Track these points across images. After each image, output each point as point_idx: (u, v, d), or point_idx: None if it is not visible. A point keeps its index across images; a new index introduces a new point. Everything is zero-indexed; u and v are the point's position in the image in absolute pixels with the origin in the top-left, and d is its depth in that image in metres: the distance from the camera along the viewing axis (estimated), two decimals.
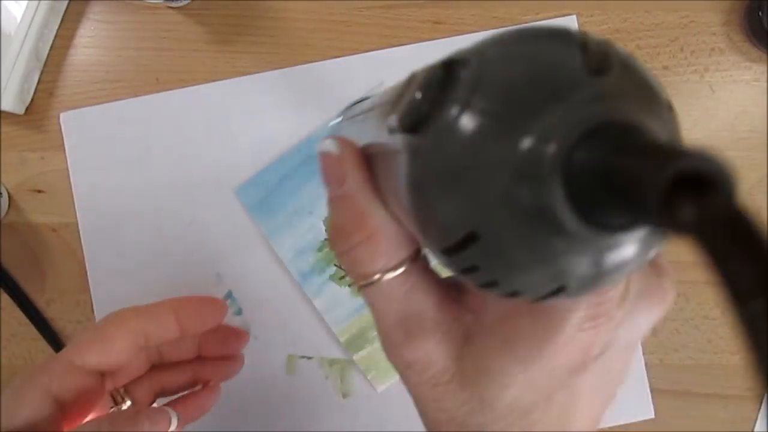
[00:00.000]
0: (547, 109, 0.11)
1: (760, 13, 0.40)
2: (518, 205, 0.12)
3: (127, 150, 0.42)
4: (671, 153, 0.10)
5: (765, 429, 0.42)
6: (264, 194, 0.42)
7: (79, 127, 0.43)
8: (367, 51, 0.42)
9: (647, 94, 0.13)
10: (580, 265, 0.12)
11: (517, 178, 0.12)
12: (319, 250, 0.41)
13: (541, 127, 0.11)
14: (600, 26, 0.43)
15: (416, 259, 0.18)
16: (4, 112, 0.41)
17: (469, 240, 0.13)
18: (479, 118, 0.12)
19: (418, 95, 0.14)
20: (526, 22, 0.42)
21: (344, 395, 0.41)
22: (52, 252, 0.43)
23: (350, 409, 0.41)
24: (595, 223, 0.11)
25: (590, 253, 0.12)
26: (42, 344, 0.42)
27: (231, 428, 0.41)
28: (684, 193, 0.09)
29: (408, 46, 0.42)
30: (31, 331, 0.43)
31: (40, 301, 0.42)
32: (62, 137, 0.42)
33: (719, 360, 0.42)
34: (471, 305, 0.18)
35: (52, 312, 0.43)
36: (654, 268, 0.17)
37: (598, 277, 0.13)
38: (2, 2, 0.41)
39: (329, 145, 0.19)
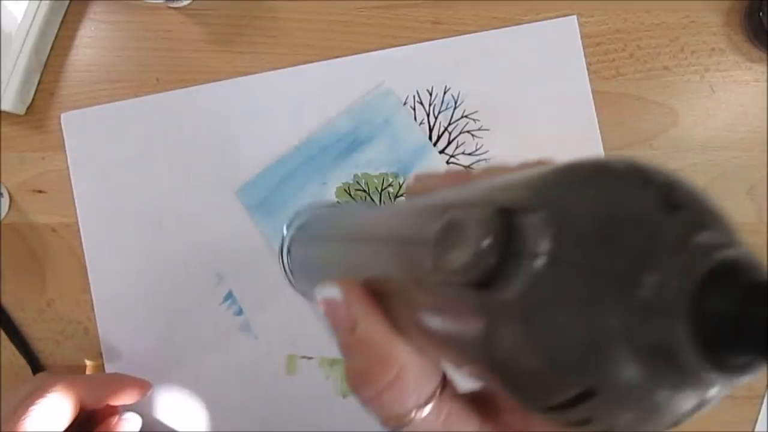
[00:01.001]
0: (655, 257, 0.11)
1: (760, 14, 0.40)
2: (642, 357, 0.11)
3: (127, 150, 0.42)
4: None
5: (765, 429, 0.42)
6: (264, 195, 0.42)
7: (79, 127, 0.43)
8: (367, 51, 0.42)
9: (722, 217, 0.13)
10: (692, 401, 0.12)
11: (639, 331, 0.11)
12: None
13: (657, 278, 0.11)
14: (600, 26, 0.43)
15: (445, 386, 0.17)
16: (5, 112, 0.41)
17: (583, 397, 0.12)
18: (580, 271, 0.11)
19: (484, 244, 0.12)
20: (526, 22, 0.42)
21: (344, 395, 0.41)
22: (52, 252, 0.43)
23: (350, 409, 0.41)
24: (719, 364, 0.11)
25: (703, 391, 0.12)
26: (42, 345, 0.42)
27: (231, 428, 0.41)
28: None
29: (408, 46, 0.42)
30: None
31: (40, 301, 0.43)
32: (63, 137, 0.42)
33: None
34: (512, 422, 0.17)
35: (52, 312, 0.43)
36: None
37: (698, 410, 0.13)
38: (2, 2, 0.41)
39: (330, 291, 0.18)
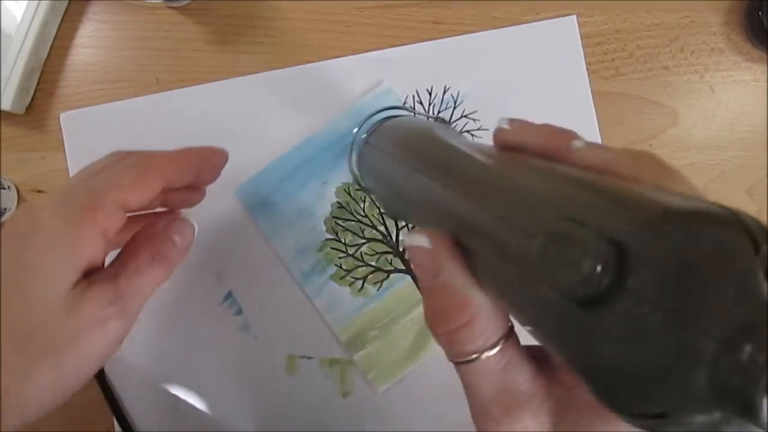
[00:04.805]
0: (752, 330, 0.12)
1: (760, 13, 0.40)
2: (721, 404, 0.12)
3: (127, 150, 0.42)
4: None
5: None
6: (264, 195, 0.42)
7: (79, 127, 0.43)
8: (367, 51, 0.42)
9: None
10: None
11: (724, 384, 0.12)
12: (320, 250, 0.41)
13: (748, 353, 0.12)
14: (600, 26, 0.43)
15: (510, 336, 0.19)
16: (4, 112, 0.41)
17: (659, 416, 0.13)
18: (679, 323, 0.12)
19: (595, 271, 0.14)
20: (525, 22, 0.42)
21: (344, 395, 0.41)
22: None
23: (350, 409, 0.41)
24: None
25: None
26: None
27: (231, 428, 0.41)
28: None
29: (408, 46, 0.42)
30: None
31: None
32: (62, 137, 0.42)
33: None
34: (563, 380, 0.19)
35: None
36: None
37: None
38: (2, 2, 0.41)
39: (420, 240, 0.20)
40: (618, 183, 0.16)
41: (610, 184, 0.16)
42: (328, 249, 0.41)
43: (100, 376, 0.41)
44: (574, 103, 0.42)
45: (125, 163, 0.28)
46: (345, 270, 0.41)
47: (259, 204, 0.41)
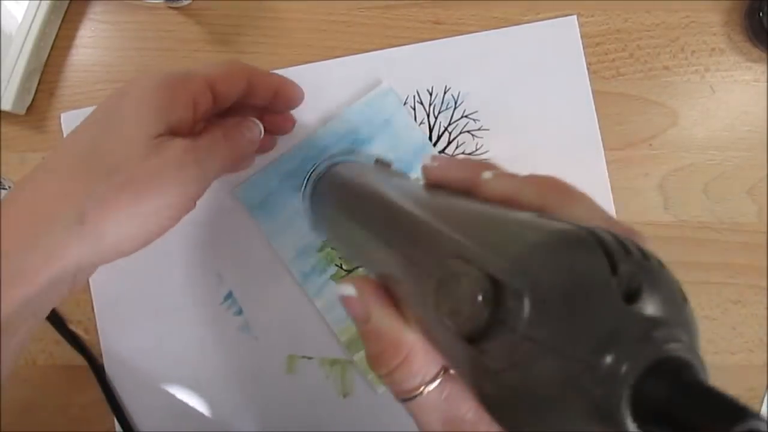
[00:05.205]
0: (605, 349, 0.13)
1: (760, 14, 0.40)
2: (597, 420, 0.13)
3: None
4: (732, 411, 0.11)
5: None
6: (265, 194, 0.42)
7: None
8: (367, 51, 0.42)
9: (674, 301, 0.15)
10: None
11: (592, 399, 0.13)
12: (320, 250, 0.41)
13: (607, 365, 0.13)
14: (600, 26, 0.43)
15: (449, 369, 0.20)
16: (5, 112, 0.41)
17: None
18: (550, 351, 0.13)
19: (476, 305, 0.15)
20: (526, 22, 0.42)
21: (344, 395, 0.41)
22: None
23: (350, 409, 0.41)
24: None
25: None
26: (42, 345, 0.42)
27: (231, 428, 0.41)
28: None
29: (408, 46, 0.42)
30: None
31: None
32: (63, 137, 0.43)
33: (719, 360, 0.42)
34: None
35: (52, 312, 0.42)
36: None
37: None
38: (3, 2, 0.41)
39: (346, 289, 0.21)
40: (506, 216, 0.17)
41: (498, 218, 0.17)
42: (329, 249, 0.41)
43: (100, 376, 0.41)
44: (575, 103, 0.42)
45: (215, 62, 0.32)
46: (345, 270, 0.41)
47: (260, 204, 0.41)
